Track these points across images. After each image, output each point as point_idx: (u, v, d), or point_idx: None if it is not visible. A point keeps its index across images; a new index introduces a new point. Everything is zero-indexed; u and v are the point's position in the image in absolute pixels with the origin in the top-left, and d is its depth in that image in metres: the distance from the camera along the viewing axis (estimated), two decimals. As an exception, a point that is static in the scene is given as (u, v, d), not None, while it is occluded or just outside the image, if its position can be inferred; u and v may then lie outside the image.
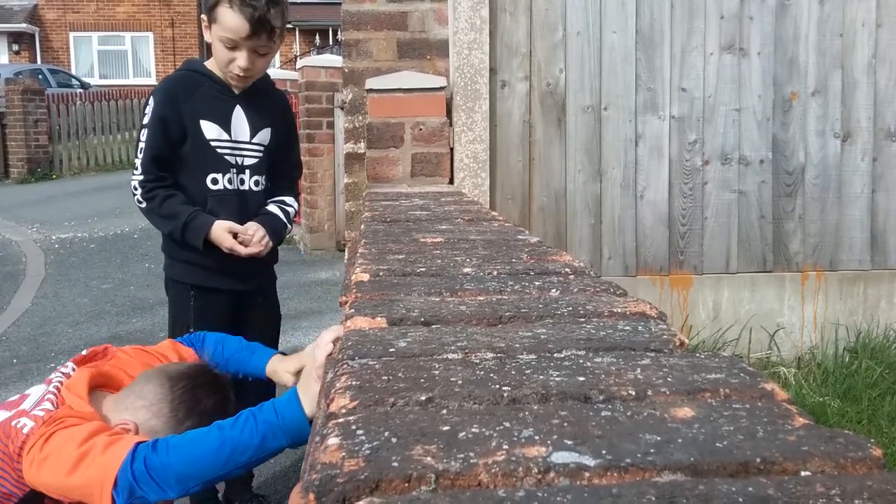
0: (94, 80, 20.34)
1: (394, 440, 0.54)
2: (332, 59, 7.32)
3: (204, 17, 2.29)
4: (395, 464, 0.50)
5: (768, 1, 3.51)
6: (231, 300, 2.41)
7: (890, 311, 3.61)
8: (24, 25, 21.14)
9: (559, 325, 0.85)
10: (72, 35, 21.94)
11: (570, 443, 0.53)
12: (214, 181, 2.33)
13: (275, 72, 8.58)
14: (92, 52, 22.11)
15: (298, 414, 1.33)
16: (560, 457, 0.51)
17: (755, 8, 3.51)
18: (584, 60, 3.48)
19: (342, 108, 4.67)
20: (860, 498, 0.46)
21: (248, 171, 2.38)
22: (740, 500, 0.46)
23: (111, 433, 1.42)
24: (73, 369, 1.64)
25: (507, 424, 0.57)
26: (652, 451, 0.52)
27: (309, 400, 1.32)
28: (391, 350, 0.76)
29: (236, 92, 2.35)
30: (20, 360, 4.30)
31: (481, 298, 0.99)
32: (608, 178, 3.52)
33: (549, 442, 0.53)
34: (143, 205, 2.30)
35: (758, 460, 0.51)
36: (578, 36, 3.47)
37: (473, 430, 0.56)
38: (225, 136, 2.33)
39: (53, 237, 8.08)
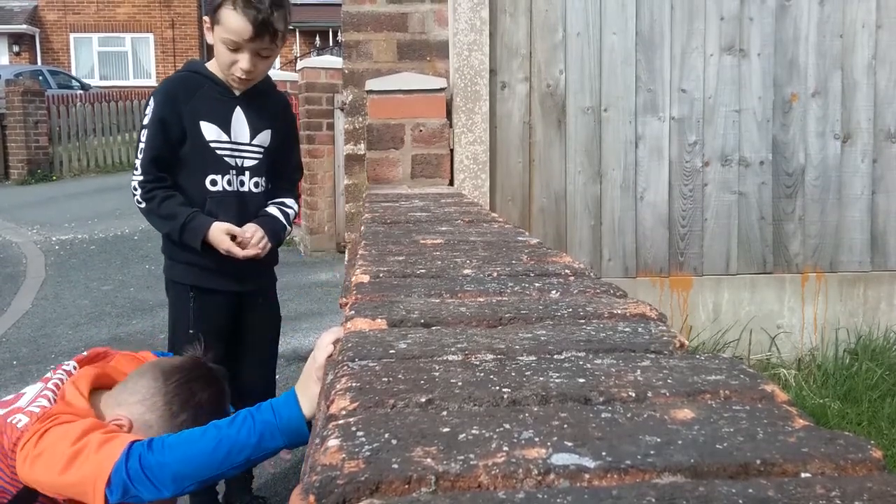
0: (95, 82, 20.35)
1: (394, 442, 0.54)
2: (332, 61, 7.32)
3: (206, 18, 2.29)
4: (396, 465, 0.50)
5: (768, 2, 3.51)
6: (231, 301, 2.41)
7: (890, 313, 3.61)
8: (24, 26, 21.16)
9: (559, 327, 0.85)
10: (72, 36, 21.96)
11: (570, 444, 0.53)
12: (213, 182, 2.33)
13: (275, 73, 8.58)
14: (92, 54, 22.12)
15: (297, 414, 1.32)
16: (560, 458, 0.51)
17: (755, 9, 3.51)
18: (584, 62, 3.48)
19: (342, 110, 4.67)
20: (860, 499, 0.46)
21: (247, 173, 2.38)
22: (740, 501, 0.46)
23: (106, 431, 1.42)
24: (75, 367, 1.64)
25: (507, 426, 0.57)
26: (652, 452, 0.52)
27: (307, 400, 1.32)
28: (391, 352, 0.76)
29: (237, 93, 2.35)
30: (20, 361, 4.30)
31: (481, 300, 0.99)
32: (608, 180, 3.52)
33: (549, 443, 0.53)
34: (143, 205, 2.30)
35: (758, 462, 0.51)
36: (578, 37, 3.47)
37: (473, 431, 0.56)
38: (224, 137, 2.33)
39: (54, 239, 8.08)
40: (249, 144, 2.38)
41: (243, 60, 2.24)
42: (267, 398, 1.53)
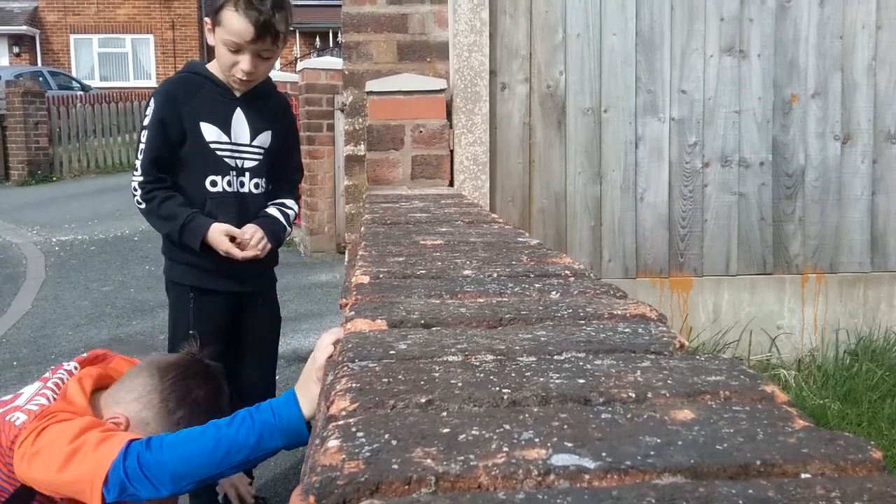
0: (95, 83, 20.34)
1: (394, 442, 0.54)
2: (333, 62, 7.32)
3: (208, 19, 2.29)
4: (396, 466, 0.50)
5: (768, 3, 3.52)
6: (231, 302, 2.41)
7: (890, 314, 3.61)
8: (24, 28, 21.16)
9: (559, 328, 0.85)
10: (72, 37, 21.96)
11: (570, 445, 0.53)
12: (213, 183, 2.33)
13: (275, 74, 8.57)
14: (92, 55, 22.12)
15: (296, 414, 1.32)
16: (560, 459, 0.51)
17: (755, 10, 3.51)
18: (584, 62, 3.48)
19: (342, 111, 4.67)
20: (860, 500, 0.46)
21: (247, 174, 2.38)
22: (740, 502, 0.46)
23: (104, 429, 1.41)
24: (76, 367, 1.63)
25: (507, 427, 0.57)
26: (652, 453, 0.52)
27: (307, 401, 1.31)
28: (391, 352, 0.76)
29: (237, 94, 2.36)
30: (20, 362, 4.30)
31: (481, 301, 0.99)
32: (608, 181, 3.52)
33: (549, 444, 0.53)
34: (143, 206, 2.31)
35: (758, 462, 0.51)
36: (578, 38, 3.47)
37: (473, 432, 0.56)
38: (225, 138, 2.34)
39: (54, 239, 8.09)
40: (250, 145, 2.38)
41: (244, 62, 2.24)
42: (267, 399, 1.52)
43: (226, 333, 2.41)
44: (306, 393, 1.32)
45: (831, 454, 0.52)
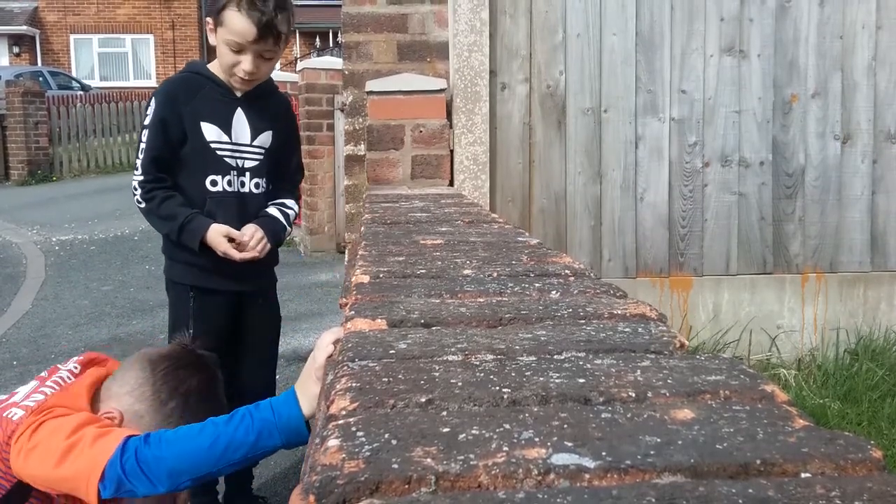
0: (95, 83, 20.34)
1: (394, 442, 0.54)
2: (333, 62, 7.32)
3: (209, 19, 2.29)
4: (396, 465, 0.50)
5: (768, 3, 3.52)
6: (231, 301, 2.41)
7: (890, 313, 3.61)
8: (24, 28, 21.16)
9: (559, 327, 0.85)
10: (72, 37, 21.96)
11: (570, 444, 0.53)
12: (213, 183, 2.33)
13: (275, 74, 8.56)
14: (92, 55, 22.12)
15: (296, 413, 1.32)
16: (560, 458, 0.51)
17: (755, 10, 3.51)
18: (584, 62, 3.48)
19: (342, 111, 4.67)
20: (860, 500, 0.46)
21: (248, 174, 2.38)
22: (740, 501, 0.46)
23: (100, 425, 1.41)
24: (77, 367, 1.63)
25: (507, 426, 0.57)
26: (652, 452, 0.52)
27: (307, 400, 1.31)
28: (391, 352, 0.76)
29: (238, 94, 2.36)
30: (20, 362, 4.30)
31: (481, 300, 0.99)
32: (608, 180, 3.52)
33: (549, 444, 0.53)
34: (143, 205, 2.31)
35: (758, 462, 0.51)
36: (578, 38, 3.47)
37: (473, 431, 0.56)
38: (225, 138, 2.34)
39: (54, 239, 8.08)
40: (250, 145, 2.38)
41: (246, 62, 2.24)
42: (266, 398, 1.52)
43: (226, 333, 2.41)
44: (306, 392, 1.32)
45: (831, 453, 0.52)
